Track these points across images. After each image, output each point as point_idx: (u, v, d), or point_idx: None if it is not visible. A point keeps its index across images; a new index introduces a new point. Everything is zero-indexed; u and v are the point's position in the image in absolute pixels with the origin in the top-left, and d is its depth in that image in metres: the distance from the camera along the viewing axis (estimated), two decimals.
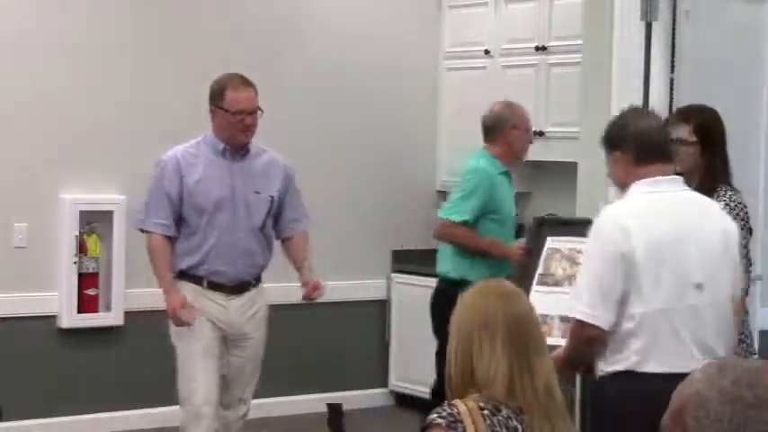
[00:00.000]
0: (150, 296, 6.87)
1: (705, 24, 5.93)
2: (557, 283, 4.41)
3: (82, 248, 6.66)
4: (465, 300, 2.92)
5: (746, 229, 4.27)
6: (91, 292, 6.71)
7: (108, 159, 6.80)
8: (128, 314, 6.81)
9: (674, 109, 5.84)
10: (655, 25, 5.83)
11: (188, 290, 5.16)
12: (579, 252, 4.27)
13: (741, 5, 6.07)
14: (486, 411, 2.76)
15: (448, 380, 2.89)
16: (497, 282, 3.05)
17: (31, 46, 6.59)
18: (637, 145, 3.78)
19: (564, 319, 4.28)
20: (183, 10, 7.04)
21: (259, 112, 5.17)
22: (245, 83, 5.19)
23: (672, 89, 5.88)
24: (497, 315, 2.83)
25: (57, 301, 6.64)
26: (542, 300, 4.28)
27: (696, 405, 1.98)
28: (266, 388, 6.72)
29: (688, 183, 4.15)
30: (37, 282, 6.61)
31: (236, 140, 5.17)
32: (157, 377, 6.93)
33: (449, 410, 2.76)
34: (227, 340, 5.24)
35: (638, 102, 5.73)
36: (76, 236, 6.63)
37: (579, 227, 4.23)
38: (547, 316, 4.29)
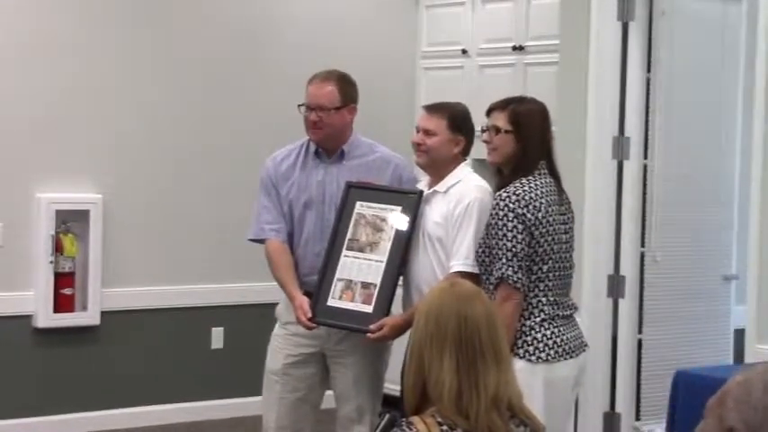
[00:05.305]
0: (126, 296, 6.87)
1: (682, 24, 5.95)
2: (361, 249, 4.46)
3: (58, 248, 6.63)
4: (424, 302, 2.85)
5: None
6: (67, 291, 6.69)
7: (84, 159, 6.77)
8: (104, 314, 6.79)
9: (651, 108, 5.87)
10: (631, 25, 5.85)
11: None
12: (383, 220, 4.47)
13: (717, 5, 6.09)
14: (444, 427, 2.66)
15: (404, 392, 2.79)
16: (459, 283, 2.91)
17: (6, 45, 6.57)
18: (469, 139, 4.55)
19: (365, 285, 4.40)
20: (166, 9, 7.02)
21: (332, 111, 4.65)
22: (321, 77, 4.70)
23: (648, 89, 5.89)
24: (450, 318, 2.72)
25: (33, 300, 6.60)
26: (348, 264, 4.45)
27: (741, 388, 2.08)
28: (247, 389, 6.74)
29: (501, 171, 4.31)
30: (13, 281, 6.58)
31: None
32: (133, 377, 6.92)
33: (408, 431, 2.65)
34: None
35: (615, 101, 5.74)
36: (52, 235, 6.60)
37: (386, 194, 4.54)
38: (351, 281, 4.42)
